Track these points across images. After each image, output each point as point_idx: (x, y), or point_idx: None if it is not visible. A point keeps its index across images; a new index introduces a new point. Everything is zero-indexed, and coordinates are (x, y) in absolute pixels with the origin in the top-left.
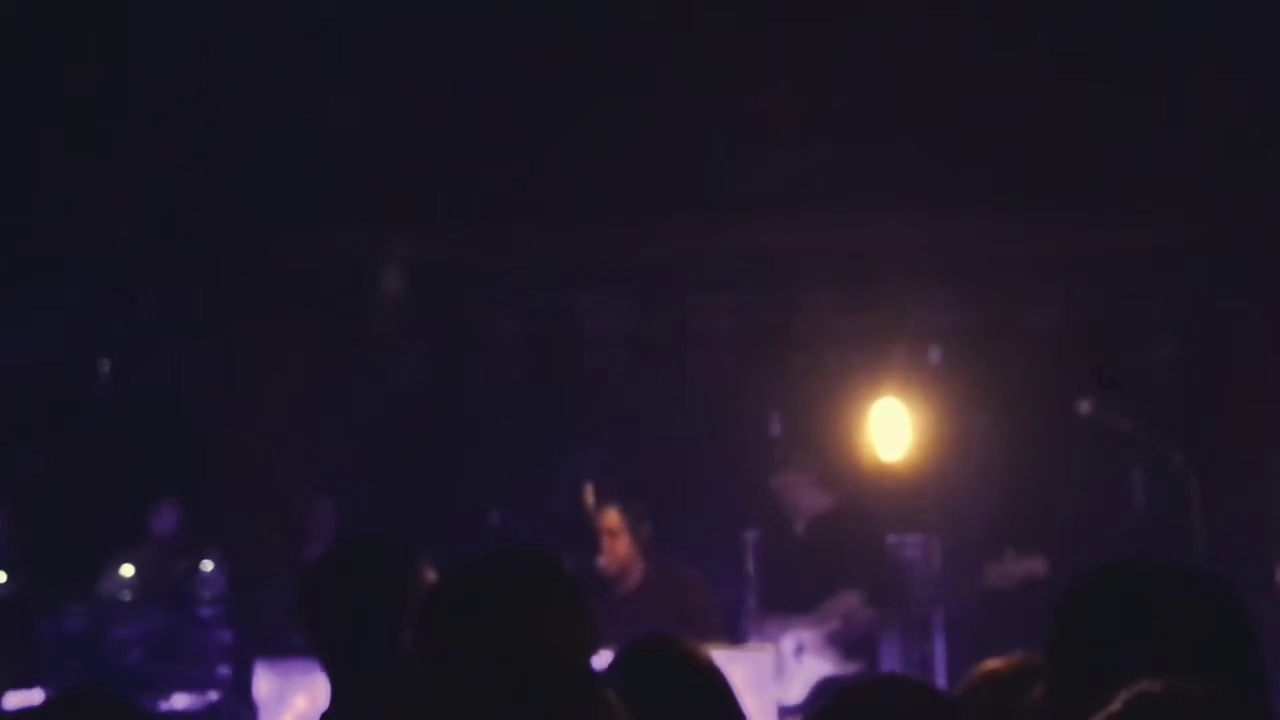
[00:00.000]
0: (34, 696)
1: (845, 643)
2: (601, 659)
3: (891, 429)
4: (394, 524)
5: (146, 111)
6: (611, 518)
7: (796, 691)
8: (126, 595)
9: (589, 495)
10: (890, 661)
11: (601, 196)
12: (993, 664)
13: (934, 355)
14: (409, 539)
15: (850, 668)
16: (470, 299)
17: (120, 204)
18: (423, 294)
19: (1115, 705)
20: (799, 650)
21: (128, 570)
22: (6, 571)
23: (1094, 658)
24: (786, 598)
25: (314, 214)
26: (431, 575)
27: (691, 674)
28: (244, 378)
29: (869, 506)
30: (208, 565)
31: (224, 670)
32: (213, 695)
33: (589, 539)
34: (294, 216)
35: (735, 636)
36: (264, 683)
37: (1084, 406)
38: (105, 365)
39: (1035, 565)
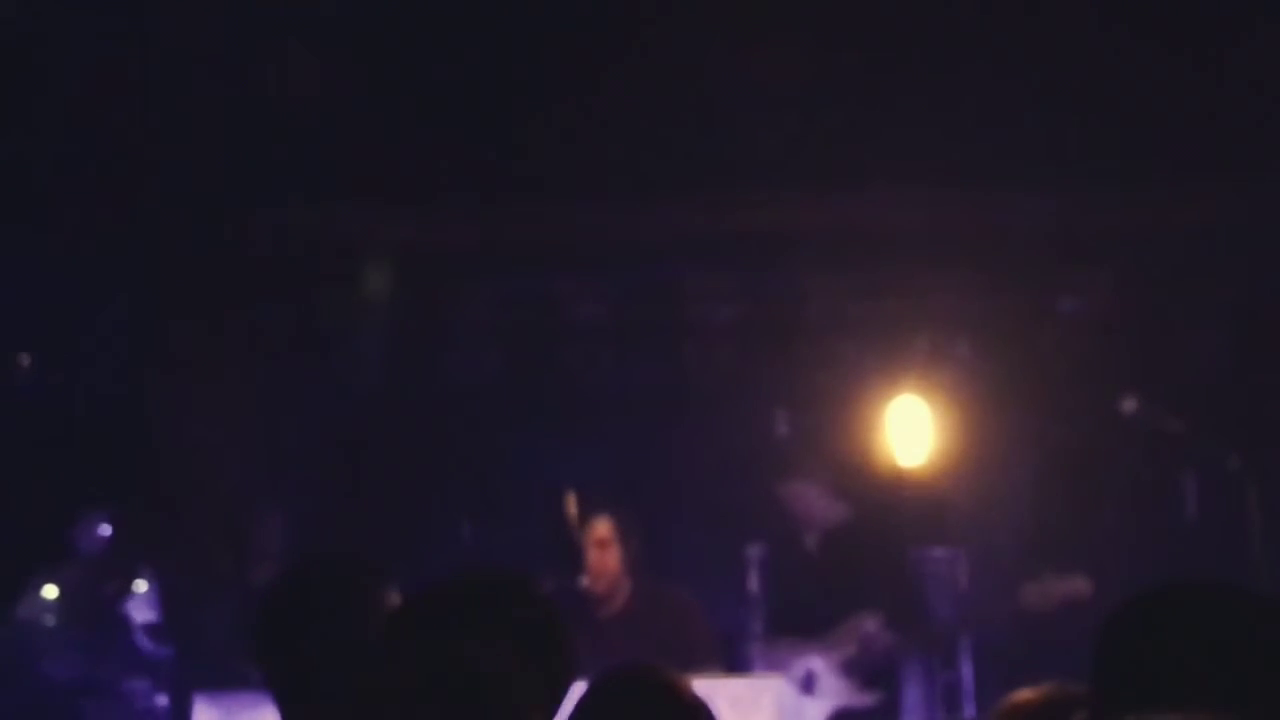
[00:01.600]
0: None
1: (862, 671)
2: (578, 691)
3: (913, 430)
4: (352, 540)
5: (76, 88)
6: (602, 528)
7: None
8: (50, 620)
9: (571, 506)
10: (912, 691)
11: (586, 168)
12: (1025, 694)
13: (961, 347)
14: (370, 557)
15: (867, 699)
16: (438, 285)
17: (43, 182)
18: (384, 281)
19: None
20: (809, 680)
21: (51, 592)
22: None
23: (1143, 691)
24: (795, 620)
25: (261, 191)
26: (395, 598)
27: (671, 708)
28: (183, 376)
29: (888, 517)
30: (141, 586)
31: (159, 704)
32: None
33: (571, 556)
34: (238, 194)
35: (736, 664)
36: (204, 719)
37: (1129, 404)
38: (25, 361)
39: (1076, 584)
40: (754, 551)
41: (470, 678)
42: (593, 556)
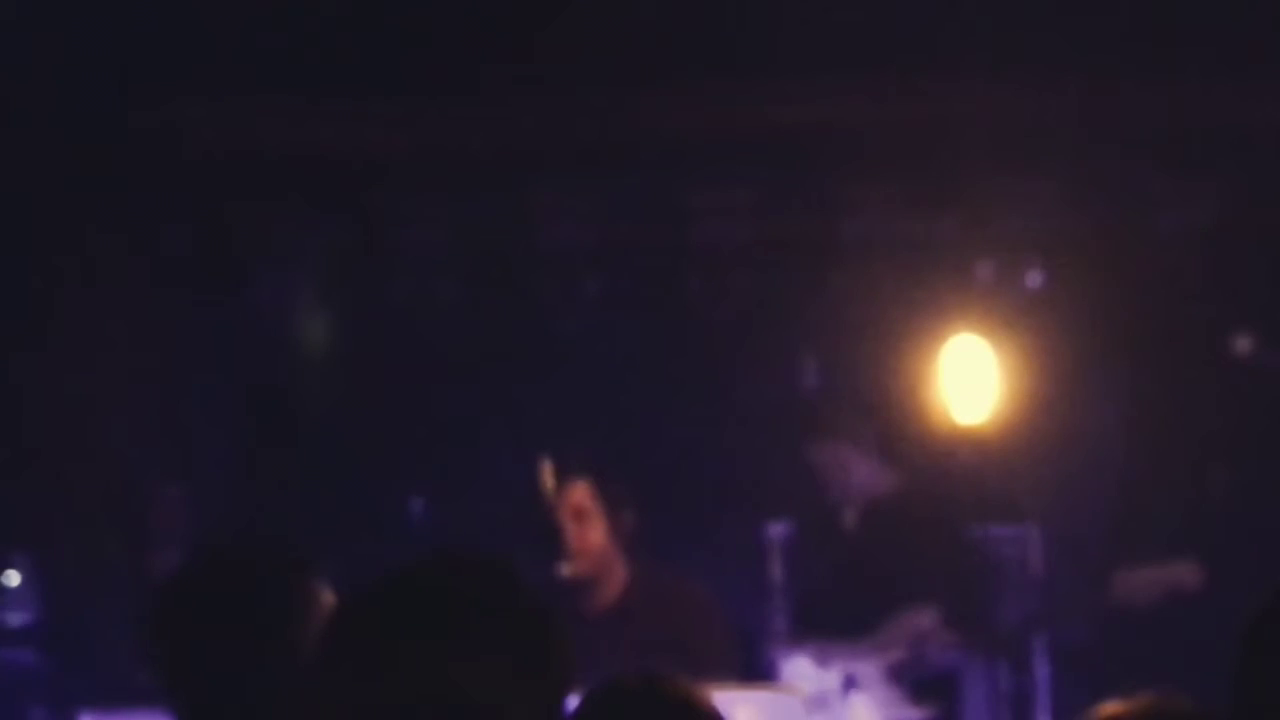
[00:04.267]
0: None
1: (913, 677)
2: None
3: (974, 379)
4: (274, 521)
5: None
6: (578, 493)
7: None
8: None
9: (547, 475)
10: (975, 702)
11: (564, 51)
12: (1116, 708)
13: (1032, 277)
14: (296, 542)
15: (920, 712)
16: (381, 200)
17: None
18: (315, 194)
19: None
20: (848, 687)
21: None
22: None
23: None
24: (830, 616)
25: (164, 80)
26: (329, 595)
27: None
28: (59, 319)
29: (943, 488)
30: (13, 578)
31: None
32: None
33: (547, 538)
34: (136, 84)
35: (756, 670)
36: None
37: (1242, 345)
38: None
39: (1180, 571)
40: (777, 531)
41: (457, 712)
42: (570, 531)
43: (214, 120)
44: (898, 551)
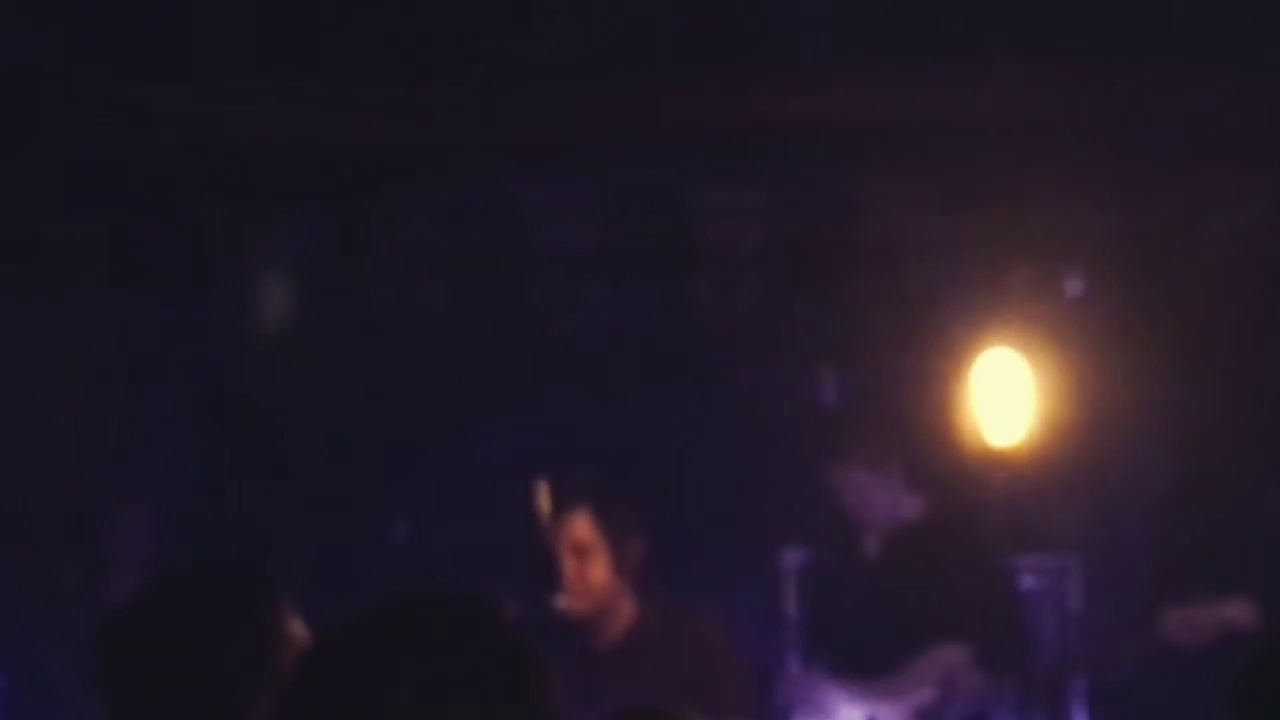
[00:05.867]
0: None
1: None
2: None
3: (1009, 396)
4: (242, 546)
5: None
6: (580, 526)
7: None
8: None
9: (543, 498)
10: None
11: (562, 37)
12: None
13: (1072, 284)
14: (267, 568)
15: None
16: (363, 197)
17: None
18: (291, 190)
19: None
20: None
21: None
22: None
23: None
24: (851, 653)
25: (129, 68)
26: (300, 628)
27: None
28: (13, 319)
29: (975, 515)
30: None
31: None
32: None
33: (544, 566)
34: (100, 71)
35: (772, 711)
36: None
37: None
38: None
39: (1234, 609)
40: (793, 560)
41: None
42: (569, 567)
43: (184, 110)
44: (923, 583)
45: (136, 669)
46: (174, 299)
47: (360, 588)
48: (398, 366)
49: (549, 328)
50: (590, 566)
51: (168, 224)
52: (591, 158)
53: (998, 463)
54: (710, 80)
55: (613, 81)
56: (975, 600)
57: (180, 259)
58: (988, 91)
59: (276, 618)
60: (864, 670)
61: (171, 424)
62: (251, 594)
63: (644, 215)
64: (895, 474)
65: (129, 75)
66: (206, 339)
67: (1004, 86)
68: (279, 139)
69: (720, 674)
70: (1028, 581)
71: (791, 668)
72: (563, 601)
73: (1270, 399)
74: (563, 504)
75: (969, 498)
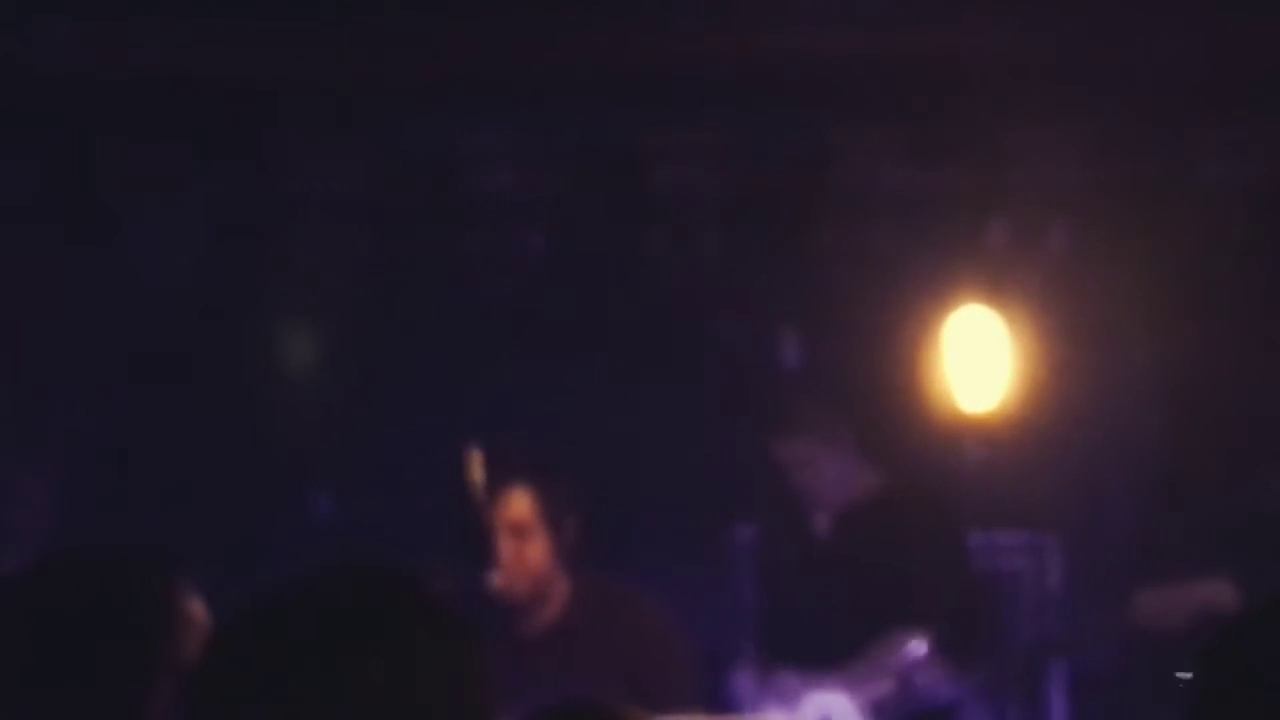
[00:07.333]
0: None
1: (902, 714)
2: None
3: (983, 359)
4: (149, 519)
5: None
6: (517, 504)
7: None
8: None
9: (475, 468)
10: None
11: None
12: None
13: (1054, 238)
14: (167, 546)
15: None
16: (276, 139)
17: None
18: (195, 128)
19: None
20: None
21: None
22: None
23: None
24: (806, 639)
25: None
26: (200, 608)
27: None
28: None
29: (941, 489)
30: None
31: None
32: None
33: (475, 541)
34: None
35: (720, 702)
36: None
37: None
38: None
39: (1218, 590)
40: (743, 537)
41: None
42: (506, 548)
43: (70, 41)
44: (879, 565)
45: (23, 657)
46: (74, 249)
47: (279, 562)
48: (320, 325)
49: (484, 282)
50: (528, 547)
51: (65, 165)
52: (528, 97)
53: (970, 431)
54: (663, 11)
55: (556, 12)
56: (937, 582)
57: (78, 204)
58: (965, 32)
59: (172, 596)
60: (817, 658)
61: (71, 388)
62: (145, 571)
63: (587, 160)
64: (849, 446)
65: (29, 6)
66: (111, 294)
67: (983, 28)
68: (186, 74)
69: (658, 657)
70: (1000, 560)
71: (744, 654)
72: (496, 580)
73: (1263, 364)
74: (499, 478)
75: (933, 469)
